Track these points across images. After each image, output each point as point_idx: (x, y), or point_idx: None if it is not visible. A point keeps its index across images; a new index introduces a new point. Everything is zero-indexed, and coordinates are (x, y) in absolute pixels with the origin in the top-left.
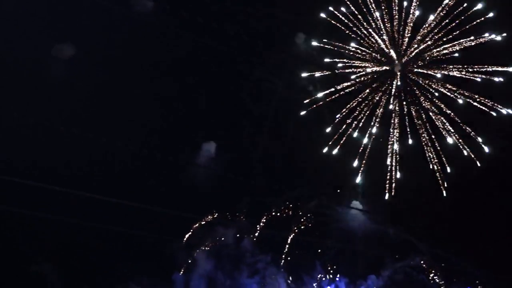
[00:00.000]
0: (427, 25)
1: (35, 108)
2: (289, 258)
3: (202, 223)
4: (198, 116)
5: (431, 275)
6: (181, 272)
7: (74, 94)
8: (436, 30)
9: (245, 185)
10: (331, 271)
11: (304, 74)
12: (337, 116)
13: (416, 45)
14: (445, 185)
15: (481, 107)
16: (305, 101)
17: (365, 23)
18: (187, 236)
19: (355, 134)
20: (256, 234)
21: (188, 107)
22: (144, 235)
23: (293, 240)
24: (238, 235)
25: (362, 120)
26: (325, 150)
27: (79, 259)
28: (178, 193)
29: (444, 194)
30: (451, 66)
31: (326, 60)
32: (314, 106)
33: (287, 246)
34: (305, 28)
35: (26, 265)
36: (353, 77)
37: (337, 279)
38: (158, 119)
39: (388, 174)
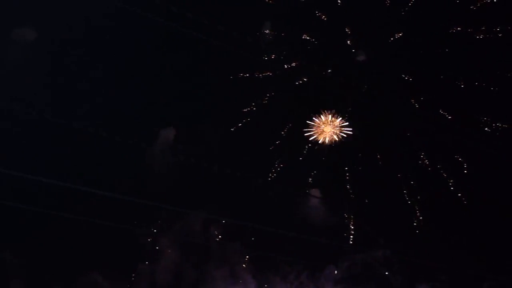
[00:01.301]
0: None
1: None
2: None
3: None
4: (159, 100)
5: (392, 270)
6: (146, 263)
7: (29, 76)
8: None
9: (208, 173)
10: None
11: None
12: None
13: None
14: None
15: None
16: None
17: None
18: (152, 225)
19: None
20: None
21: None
22: (107, 224)
23: (257, 230)
24: (204, 225)
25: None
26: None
27: (40, 248)
28: (143, 181)
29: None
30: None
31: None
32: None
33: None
34: None
35: None
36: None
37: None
38: (117, 102)
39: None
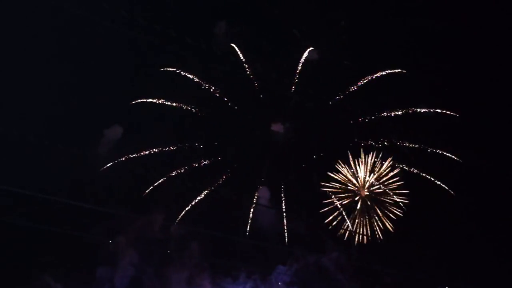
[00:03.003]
0: None
1: None
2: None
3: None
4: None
5: (345, 275)
6: (104, 267)
7: None
8: None
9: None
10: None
11: None
12: None
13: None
14: None
15: None
16: None
17: None
18: (107, 229)
19: None
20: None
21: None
22: (58, 229)
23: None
24: (157, 230)
25: None
26: None
27: None
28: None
29: None
30: None
31: None
32: None
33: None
34: None
35: None
36: None
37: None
38: (58, 105)
39: None
